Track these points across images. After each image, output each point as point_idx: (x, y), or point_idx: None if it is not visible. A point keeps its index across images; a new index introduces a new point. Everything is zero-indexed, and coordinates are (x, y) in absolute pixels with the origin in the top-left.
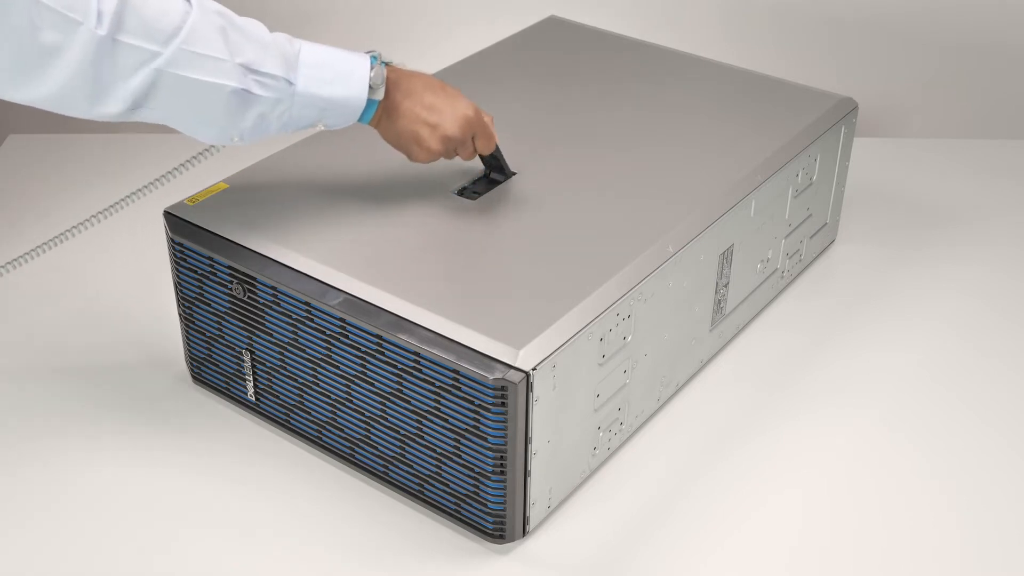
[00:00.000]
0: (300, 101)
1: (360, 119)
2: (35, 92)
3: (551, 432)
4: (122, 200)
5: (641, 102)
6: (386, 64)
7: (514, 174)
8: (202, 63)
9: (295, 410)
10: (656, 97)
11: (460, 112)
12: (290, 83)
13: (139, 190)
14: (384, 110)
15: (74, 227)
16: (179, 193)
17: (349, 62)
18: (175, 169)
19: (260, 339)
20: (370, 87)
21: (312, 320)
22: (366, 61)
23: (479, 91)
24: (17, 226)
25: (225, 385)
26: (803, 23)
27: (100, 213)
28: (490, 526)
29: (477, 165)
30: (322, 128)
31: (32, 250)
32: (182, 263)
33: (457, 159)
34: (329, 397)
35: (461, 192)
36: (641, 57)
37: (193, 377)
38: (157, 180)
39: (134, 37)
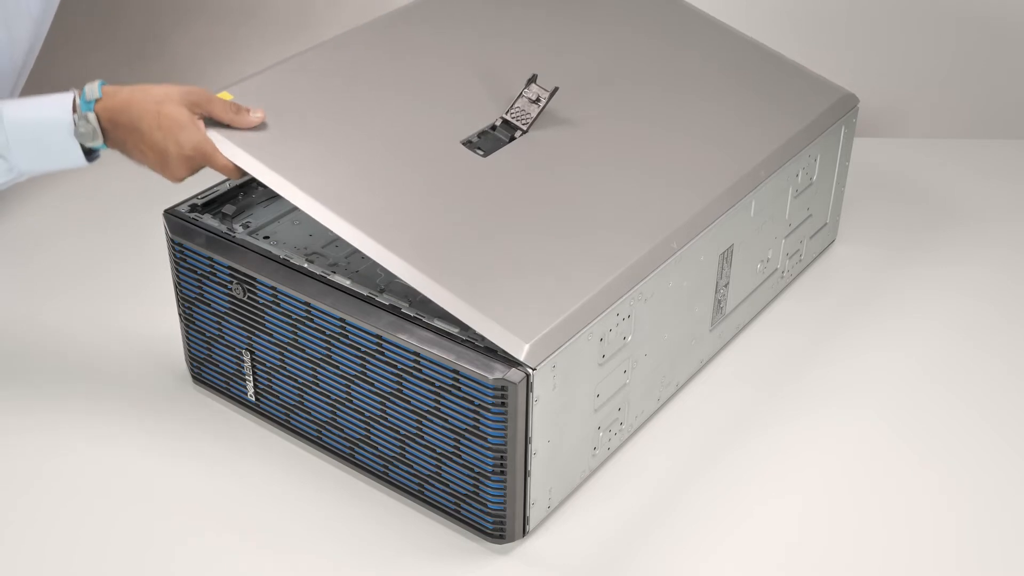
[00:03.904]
0: (28, 173)
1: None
2: None
3: (551, 432)
4: None
5: (649, 72)
6: (96, 100)
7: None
8: None
9: (295, 410)
10: (665, 67)
11: (184, 151)
12: (10, 168)
13: None
14: (114, 144)
15: None
16: (179, 193)
17: (52, 129)
18: None
19: (260, 339)
20: (84, 148)
21: (312, 320)
22: (68, 122)
23: (485, 30)
24: (17, 225)
25: (225, 385)
26: (802, 22)
27: None
28: (490, 526)
29: (485, 116)
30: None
31: None
32: (182, 263)
33: None
34: (329, 397)
35: (468, 143)
36: (659, 13)
37: (193, 377)
38: None
39: None
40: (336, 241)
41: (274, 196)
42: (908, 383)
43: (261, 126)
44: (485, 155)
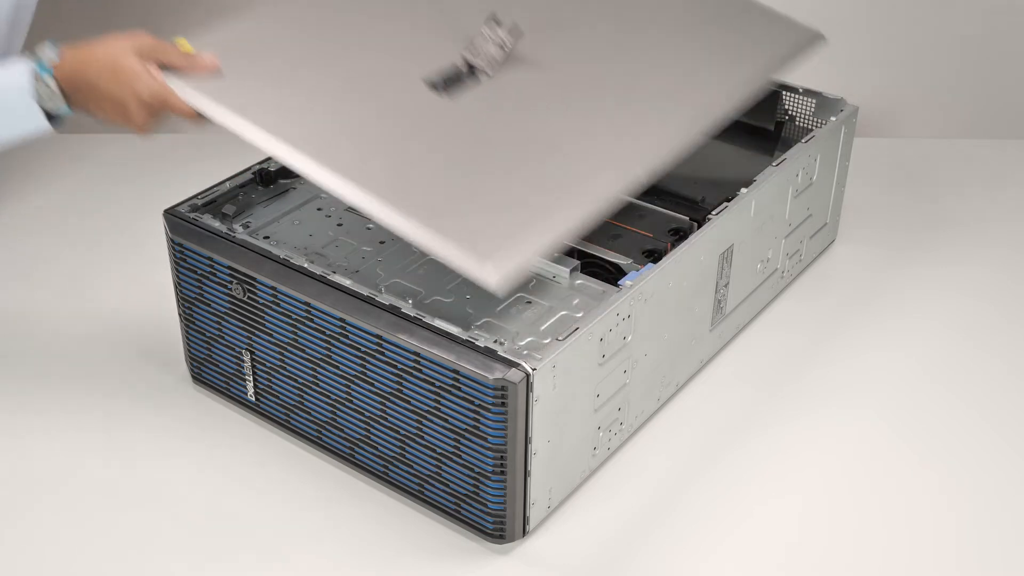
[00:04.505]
0: None
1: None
2: None
3: (551, 432)
4: None
5: (612, 9)
6: (52, 65)
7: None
8: None
9: (295, 410)
10: (627, 3)
11: (143, 99)
12: None
13: None
14: (77, 105)
15: None
16: (179, 193)
17: (15, 95)
18: None
19: (260, 339)
20: (47, 114)
21: (312, 320)
22: (30, 88)
23: None
24: (17, 225)
25: (225, 385)
26: (803, 22)
27: None
28: (490, 526)
29: (449, 57)
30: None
31: None
32: (182, 263)
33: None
34: (329, 397)
35: (432, 84)
36: None
37: (193, 377)
38: None
39: None
40: (336, 241)
41: (274, 196)
42: (908, 383)
43: (218, 71)
44: (450, 96)
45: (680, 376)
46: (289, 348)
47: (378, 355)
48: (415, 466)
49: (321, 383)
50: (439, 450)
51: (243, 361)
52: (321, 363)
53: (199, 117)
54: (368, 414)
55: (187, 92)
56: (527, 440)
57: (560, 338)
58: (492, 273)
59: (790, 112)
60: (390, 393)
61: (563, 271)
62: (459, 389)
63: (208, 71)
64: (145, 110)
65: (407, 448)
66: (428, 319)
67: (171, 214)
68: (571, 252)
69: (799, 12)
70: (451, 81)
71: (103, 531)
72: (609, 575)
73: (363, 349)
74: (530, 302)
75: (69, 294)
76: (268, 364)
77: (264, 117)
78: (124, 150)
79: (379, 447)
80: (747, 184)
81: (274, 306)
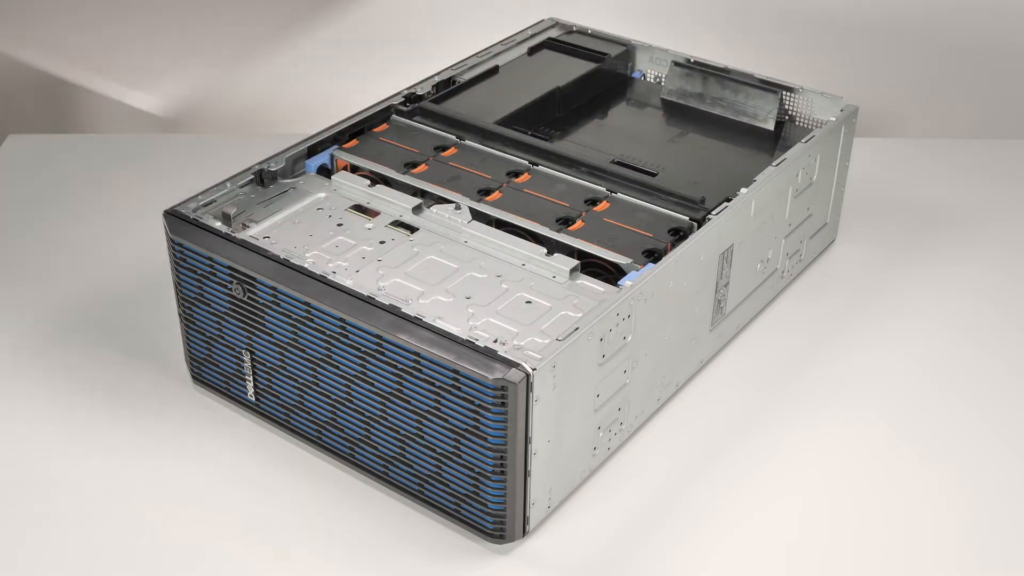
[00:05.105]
0: None
1: None
2: None
3: (551, 432)
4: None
5: None
6: None
7: None
8: None
9: (295, 410)
10: None
11: None
12: None
13: None
14: None
15: None
16: (179, 193)
17: None
18: None
19: (260, 339)
20: None
21: (312, 320)
22: None
23: None
24: (16, 225)
25: (225, 385)
26: (803, 23)
27: None
28: (490, 526)
29: None
30: None
31: None
32: (182, 263)
33: None
34: (329, 397)
35: None
36: None
37: (193, 377)
38: None
39: None
40: (336, 241)
41: (274, 196)
42: (908, 383)
43: None
44: None
45: (680, 376)
46: (289, 348)
47: (378, 355)
48: (415, 466)
49: (321, 383)
50: (439, 450)
51: (243, 361)
52: (321, 363)
53: None
54: (368, 414)
55: None
56: (527, 440)
57: (560, 338)
58: (154, 101)
59: (790, 112)
60: (390, 393)
61: (563, 271)
62: (459, 389)
63: None
64: None
65: (407, 448)
66: (428, 319)
67: (171, 214)
68: (571, 252)
69: (800, 12)
70: None
71: (102, 530)
72: (609, 575)
73: (363, 349)
74: (530, 302)
75: (69, 294)
76: (268, 364)
77: None
78: (124, 150)
79: (379, 447)
80: (747, 184)
81: (274, 306)
